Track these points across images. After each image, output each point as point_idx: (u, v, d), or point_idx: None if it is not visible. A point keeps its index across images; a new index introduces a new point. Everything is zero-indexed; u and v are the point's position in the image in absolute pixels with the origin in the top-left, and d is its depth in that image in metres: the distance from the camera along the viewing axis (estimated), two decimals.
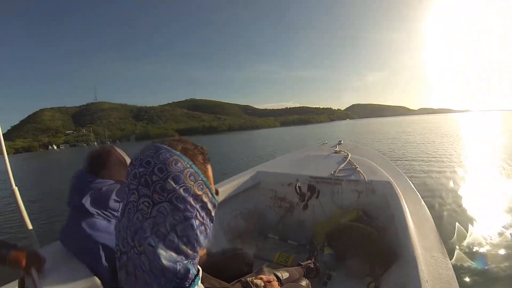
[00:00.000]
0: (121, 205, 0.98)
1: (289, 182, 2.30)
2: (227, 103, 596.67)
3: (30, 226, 1.43)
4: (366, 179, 1.96)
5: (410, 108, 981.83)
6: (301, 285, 1.19)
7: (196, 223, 0.54)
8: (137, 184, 0.51)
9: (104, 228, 1.02)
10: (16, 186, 1.52)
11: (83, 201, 1.02)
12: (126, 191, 0.54)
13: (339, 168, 2.15)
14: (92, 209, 1.03)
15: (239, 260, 1.30)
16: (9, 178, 1.53)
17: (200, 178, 0.54)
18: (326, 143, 3.25)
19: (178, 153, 0.53)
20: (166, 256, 0.51)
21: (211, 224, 0.59)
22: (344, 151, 2.56)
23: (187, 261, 0.54)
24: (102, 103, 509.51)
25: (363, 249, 1.63)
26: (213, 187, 0.59)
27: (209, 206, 0.57)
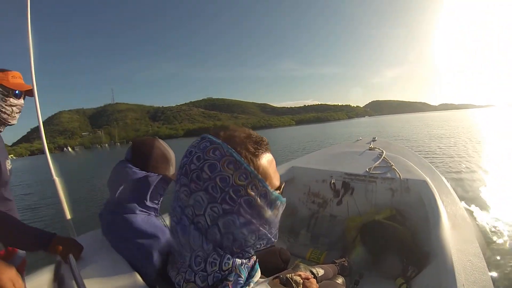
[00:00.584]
0: (161, 198, 1.08)
1: (323, 178, 2.28)
2: (244, 101, 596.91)
3: (68, 216, 1.45)
4: (401, 177, 1.93)
5: (431, 104, 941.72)
6: (338, 283, 1.18)
7: (240, 220, 0.49)
8: (180, 174, 0.51)
9: (144, 221, 1.02)
10: (56, 177, 1.54)
11: (124, 193, 1.02)
12: (176, 180, 0.54)
13: (374, 166, 2.14)
14: (132, 202, 1.03)
15: (276, 256, 1.28)
16: (49, 169, 1.55)
17: (243, 167, 0.48)
18: (360, 139, 3.27)
19: (219, 141, 0.50)
20: (207, 249, 0.49)
21: (271, 225, 0.53)
22: (378, 148, 2.55)
23: (241, 261, 0.52)
24: (119, 104, 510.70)
25: (396, 249, 1.61)
26: (273, 180, 0.53)
27: (260, 201, 0.50)
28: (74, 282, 0.82)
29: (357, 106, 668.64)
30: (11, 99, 1.27)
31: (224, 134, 0.52)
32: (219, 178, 0.47)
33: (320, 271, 1.20)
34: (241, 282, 0.50)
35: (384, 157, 2.26)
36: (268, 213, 0.51)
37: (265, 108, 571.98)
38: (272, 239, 0.55)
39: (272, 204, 0.51)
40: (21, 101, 1.33)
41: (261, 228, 0.51)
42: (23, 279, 1.11)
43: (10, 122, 1.32)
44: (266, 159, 0.53)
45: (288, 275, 0.79)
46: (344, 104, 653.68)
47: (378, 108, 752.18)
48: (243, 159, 0.49)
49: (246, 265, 0.53)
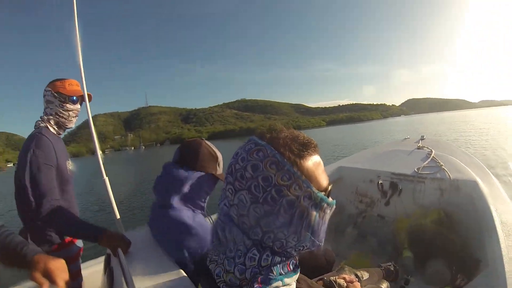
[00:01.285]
0: (208, 197, 1.13)
1: (371, 178, 2.28)
2: (278, 102, 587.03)
3: (117, 213, 1.53)
4: (451, 177, 1.85)
5: (470, 101, 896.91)
6: (382, 287, 1.17)
7: (280, 220, 0.49)
8: (227, 173, 0.54)
9: (190, 219, 1.05)
10: (106, 177, 1.62)
11: (171, 192, 1.06)
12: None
13: (422, 165, 2.08)
14: (179, 200, 1.07)
15: (320, 257, 1.25)
16: (100, 169, 1.61)
17: (285, 168, 0.49)
18: (408, 138, 3.21)
19: (263, 143, 0.52)
20: (248, 244, 0.52)
21: (316, 228, 0.52)
22: (427, 147, 2.45)
23: (278, 259, 0.53)
24: (152, 107, 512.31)
25: (446, 256, 1.55)
26: (319, 181, 0.53)
27: (303, 202, 0.50)
28: (122, 273, 0.88)
29: (392, 105, 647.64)
30: (68, 105, 1.43)
31: (270, 136, 0.53)
32: (262, 177, 0.48)
33: (365, 275, 1.18)
34: (271, 278, 0.51)
35: (433, 156, 2.17)
36: (313, 214, 0.51)
37: (299, 109, 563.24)
38: (317, 242, 0.54)
39: (317, 205, 0.51)
40: (77, 106, 1.49)
41: (303, 231, 0.51)
42: (79, 266, 1.32)
43: (67, 126, 1.49)
44: (312, 161, 0.53)
45: (332, 277, 0.78)
46: (379, 103, 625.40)
47: (414, 106, 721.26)
48: (285, 160, 0.49)
49: (284, 264, 0.54)
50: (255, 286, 0.50)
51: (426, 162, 2.11)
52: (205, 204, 1.15)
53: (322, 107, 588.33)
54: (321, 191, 0.52)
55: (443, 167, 1.97)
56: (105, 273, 1.12)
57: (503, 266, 1.05)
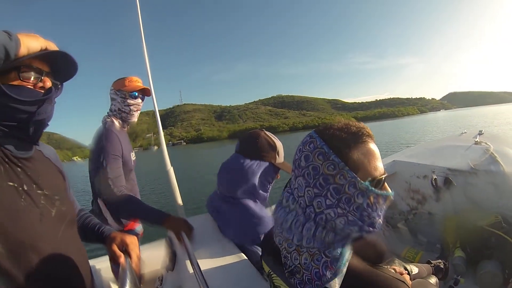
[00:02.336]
0: (270, 186, 1.18)
1: (425, 173, 2.24)
2: (314, 98, 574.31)
3: (180, 201, 1.60)
4: (505, 171, 1.78)
5: None
6: (430, 282, 1.18)
7: (326, 202, 0.57)
8: (292, 162, 0.64)
9: (252, 207, 1.11)
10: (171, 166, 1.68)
11: (233, 181, 1.13)
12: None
13: (479, 161, 2.02)
14: (241, 189, 1.12)
15: (371, 248, 1.22)
16: (165, 160, 1.68)
17: (330, 159, 0.56)
18: (465, 132, 3.11)
19: (315, 135, 0.61)
20: (307, 226, 0.59)
21: (364, 213, 0.57)
22: (485, 143, 2.38)
23: (337, 241, 0.59)
24: (187, 105, 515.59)
25: (500, 259, 1.52)
26: (369, 170, 0.58)
27: (348, 190, 0.56)
28: (186, 256, 0.91)
29: (432, 98, 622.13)
30: (128, 100, 1.56)
31: (323, 128, 0.61)
32: (311, 167, 0.58)
33: (414, 269, 1.19)
34: (338, 258, 0.57)
35: (491, 152, 2.09)
36: (359, 201, 0.56)
37: (336, 104, 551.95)
38: (366, 227, 0.58)
39: (363, 193, 0.56)
40: (138, 100, 1.60)
41: (350, 214, 0.56)
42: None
43: (130, 120, 1.62)
44: (361, 150, 0.58)
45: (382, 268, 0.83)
46: (418, 97, 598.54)
47: (456, 100, 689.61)
48: (331, 150, 0.56)
49: (341, 245, 0.59)
50: (327, 273, 0.56)
51: (484, 158, 2.05)
52: (268, 194, 1.19)
53: (359, 102, 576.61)
54: (372, 180, 0.57)
55: (501, 163, 1.91)
56: (167, 255, 1.17)
57: None
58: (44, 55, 0.66)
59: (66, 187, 0.84)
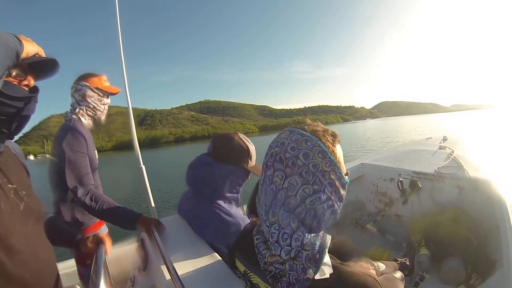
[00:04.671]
0: (241, 188, 1.19)
1: (391, 176, 2.34)
2: (242, 103, 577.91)
3: (152, 201, 1.60)
4: (470, 177, 1.88)
5: (442, 105, 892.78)
6: (396, 277, 1.22)
7: (323, 197, 0.61)
8: (273, 161, 0.63)
9: (224, 208, 1.10)
10: (143, 165, 1.65)
11: (206, 184, 1.11)
12: (264, 167, 0.66)
13: (443, 165, 2.12)
14: (213, 191, 1.12)
15: (340, 247, 1.31)
16: (137, 157, 1.65)
17: (328, 156, 0.61)
18: (431, 138, 3.27)
19: (308, 134, 0.62)
20: (293, 227, 0.61)
21: (340, 204, 0.65)
22: (449, 147, 2.51)
23: (314, 234, 0.64)
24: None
25: (462, 256, 1.60)
26: (342, 167, 0.65)
27: (337, 184, 0.62)
28: (159, 255, 0.91)
29: (362, 107, 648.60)
30: (105, 99, 1.54)
31: (309, 128, 0.65)
32: (312, 164, 0.59)
33: (381, 266, 1.25)
34: (317, 248, 0.63)
35: (454, 156, 2.23)
36: (341, 192, 0.64)
37: (263, 110, 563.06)
38: (338, 214, 0.65)
39: (343, 186, 0.64)
40: (109, 100, 1.59)
41: (335, 204, 0.63)
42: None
43: (101, 119, 1.58)
44: (339, 150, 0.65)
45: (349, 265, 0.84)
46: (348, 105, 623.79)
47: (386, 109, 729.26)
48: (327, 149, 0.62)
49: (317, 236, 0.65)
50: (312, 265, 0.61)
51: (447, 162, 2.16)
52: (238, 195, 1.19)
53: (287, 109, 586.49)
54: (346, 174, 0.65)
55: (463, 166, 2.01)
56: (139, 256, 1.16)
57: None
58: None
59: (30, 184, 0.82)
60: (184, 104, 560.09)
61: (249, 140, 1.18)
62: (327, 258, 0.63)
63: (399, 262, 1.49)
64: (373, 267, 1.15)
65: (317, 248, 0.63)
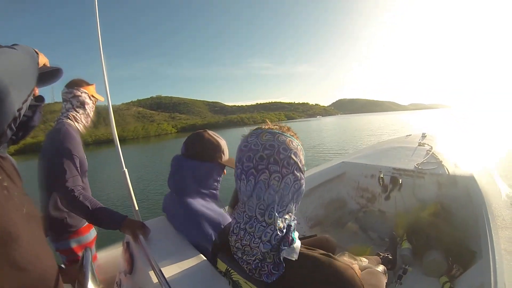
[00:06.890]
0: (218, 184, 1.24)
1: (372, 173, 2.42)
2: (193, 100, 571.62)
3: (135, 203, 1.61)
4: (449, 172, 1.96)
5: (400, 103, 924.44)
6: (378, 270, 1.26)
7: (303, 188, 0.71)
8: (267, 164, 0.66)
9: (203, 205, 1.14)
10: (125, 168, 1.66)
11: (183, 182, 1.15)
12: (253, 172, 0.67)
13: (422, 161, 2.20)
14: (191, 189, 1.16)
15: (322, 244, 1.34)
16: (120, 160, 1.64)
17: (299, 148, 0.71)
18: (410, 135, 3.36)
19: (288, 134, 0.71)
20: (283, 220, 0.68)
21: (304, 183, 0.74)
22: (428, 144, 2.61)
23: (292, 218, 0.71)
24: (58, 104, 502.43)
25: (442, 248, 1.65)
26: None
27: (302, 169, 0.71)
28: (144, 257, 0.94)
29: (316, 104, 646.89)
30: (94, 106, 1.65)
31: (279, 127, 0.73)
32: (299, 161, 0.69)
33: (364, 260, 1.29)
34: (292, 230, 0.68)
35: (433, 152, 2.31)
36: (303, 182, 0.71)
37: (214, 107, 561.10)
38: (301, 194, 0.72)
39: (304, 170, 0.72)
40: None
41: (302, 184, 0.71)
42: (94, 252, 1.50)
43: (89, 123, 1.65)
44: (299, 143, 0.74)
45: None
46: (302, 102, 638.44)
47: (343, 107, 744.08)
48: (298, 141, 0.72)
49: (292, 220, 0.70)
50: (284, 247, 0.65)
51: (426, 158, 2.24)
52: (217, 191, 1.22)
53: (238, 105, 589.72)
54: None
55: (442, 162, 2.08)
56: (125, 259, 1.17)
57: (497, 258, 1.12)
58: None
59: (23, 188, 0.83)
60: (136, 100, 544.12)
61: (219, 136, 1.24)
62: (298, 244, 0.68)
63: (381, 256, 1.57)
64: (356, 261, 1.19)
65: (291, 229, 0.68)
